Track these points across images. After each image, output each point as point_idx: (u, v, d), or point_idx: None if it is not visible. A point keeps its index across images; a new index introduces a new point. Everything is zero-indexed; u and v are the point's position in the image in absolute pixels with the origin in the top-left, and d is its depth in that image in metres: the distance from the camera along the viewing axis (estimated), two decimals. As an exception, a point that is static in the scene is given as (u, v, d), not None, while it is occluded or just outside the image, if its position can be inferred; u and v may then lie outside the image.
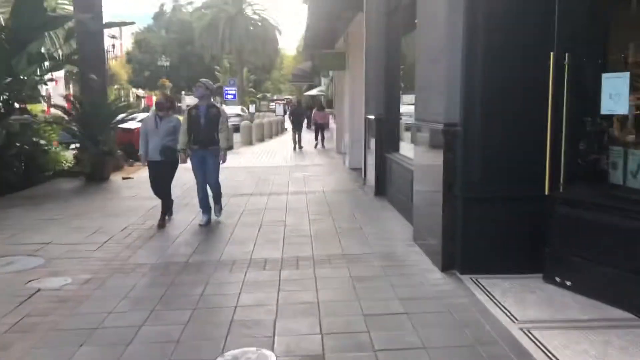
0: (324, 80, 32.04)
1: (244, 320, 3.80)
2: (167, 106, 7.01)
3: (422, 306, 4.02)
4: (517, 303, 4.02)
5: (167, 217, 7.07)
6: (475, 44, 4.43)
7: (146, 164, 7.06)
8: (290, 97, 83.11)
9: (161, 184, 7.03)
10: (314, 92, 33.97)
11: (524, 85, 4.42)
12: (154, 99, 76.81)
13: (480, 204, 4.58)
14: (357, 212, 7.50)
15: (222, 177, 11.64)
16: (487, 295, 4.19)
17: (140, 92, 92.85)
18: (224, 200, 8.45)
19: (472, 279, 4.54)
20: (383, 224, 6.74)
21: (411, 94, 7.05)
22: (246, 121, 21.67)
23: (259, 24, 54.11)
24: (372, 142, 8.93)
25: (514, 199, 4.53)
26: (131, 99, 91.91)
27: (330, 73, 25.44)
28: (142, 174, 12.00)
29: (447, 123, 4.63)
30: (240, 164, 13.88)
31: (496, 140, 4.52)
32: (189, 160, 6.89)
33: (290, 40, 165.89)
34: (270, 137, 24.75)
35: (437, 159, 4.80)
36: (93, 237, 6.34)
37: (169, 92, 79.28)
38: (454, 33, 4.53)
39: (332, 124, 26.08)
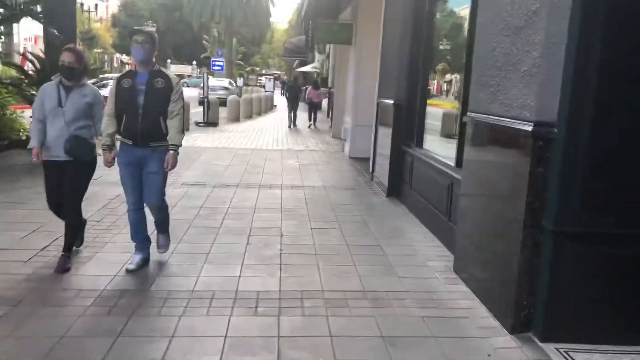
0: (318, 57, 30.28)
1: None
2: (77, 70, 4.17)
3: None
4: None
5: (73, 251, 4.34)
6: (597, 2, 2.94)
7: (41, 162, 4.23)
8: (278, 72, 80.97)
9: (67, 197, 4.23)
10: (306, 68, 32.20)
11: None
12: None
13: (581, 242, 3.13)
14: (369, 219, 6.02)
15: (204, 160, 10.14)
16: (596, 389, 2.77)
17: (125, 58, 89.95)
18: (203, 192, 6.93)
19: (559, 351, 3.12)
20: (406, 241, 5.27)
21: (447, 77, 5.57)
22: (234, 95, 19.96)
23: (252, -7, 51.63)
24: (386, 132, 7.43)
25: (632, 239, 3.09)
26: (115, 65, 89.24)
27: (328, 49, 23.74)
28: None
29: (538, 122, 3.15)
30: (225, 143, 12.27)
31: (614, 151, 3.05)
32: (116, 163, 4.23)
33: (283, 13, 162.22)
34: (259, 114, 23.07)
35: (515, 172, 3.33)
36: (30, 238, 4.78)
37: (154, 60, 76.82)
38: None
39: (324, 104, 24.57)
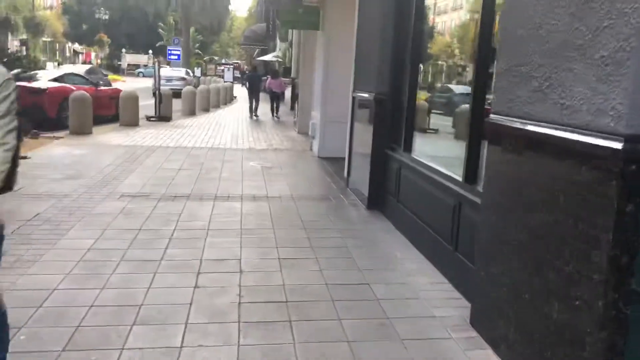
0: (280, 45, 28.94)
1: None
2: None
3: None
4: None
5: None
6: None
7: None
8: (239, 61, 78.84)
9: None
10: (268, 57, 30.80)
11: None
12: (93, 55, 70.71)
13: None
14: (350, 242, 4.88)
15: (152, 163, 8.90)
16: None
17: (77, 46, 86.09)
18: (145, 206, 5.63)
19: None
20: (399, 275, 4.16)
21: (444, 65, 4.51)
22: (189, 87, 18.48)
23: (210, -22, 49.59)
24: (364, 131, 6.31)
25: None
26: (67, 54, 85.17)
27: (291, 36, 22.45)
28: (49, 151, 8.91)
29: (632, 136, 2.06)
30: (178, 142, 10.92)
31: None
32: None
33: (242, 0, 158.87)
34: (218, 106, 21.64)
35: (588, 209, 2.24)
36: None
37: (107, 49, 73.53)
38: None
39: (287, 94, 23.30)
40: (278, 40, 29.41)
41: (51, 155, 8.60)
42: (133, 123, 13.46)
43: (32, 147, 9.38)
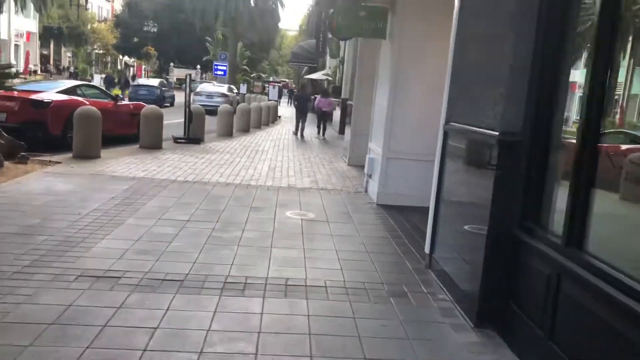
0: (329, 62, 26.80)
1: None
2: None
3: None
4: None
5: None
6: None
7: None
8: (286, 79, 77.54)
9: None
10: (316, 75, 28.70)
11: None
12: (144, 68, 70.69)
13: None
14: None
15: (152, 209, 6.93)
16: None
17: (129, 59, 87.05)
18: (104, 306, 3.04)
19: None
20: None
21: None
22: (226, 105, 16.41)
23: (259, -8, 48.26)
24: (470, 187, 3.84)
25: None
26: (119, 67, 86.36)
27: (342, 52, 20.21)
28: (26, 184, 6.79)
29: None
30: (200, 174, 8.68)
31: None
32: None
33: (293, 19, 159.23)
34: (259, 126, 19.54)
35: None
36: None
37: (154, 62, 73.54)
38: None
39: (335, 116, 21.12)
40: (328, 57, 27.31)
41: (22, 191, 6.48)
42: (155, 145, 11.39)
43: (12, 175, 7.33)
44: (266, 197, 7.34)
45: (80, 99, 10.83)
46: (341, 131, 18.64)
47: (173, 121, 15.96)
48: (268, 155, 11.93)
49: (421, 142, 7.13)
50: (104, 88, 27.10)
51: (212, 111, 18.66)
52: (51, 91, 10.70)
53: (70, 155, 9.35)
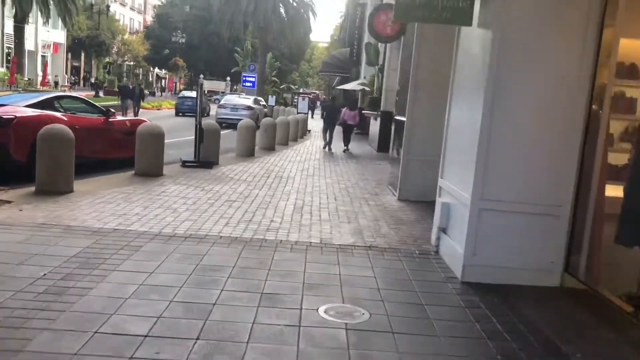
0: (364, 71, 24.22)
1: None
2: None
3: None
4: None
5: None
6: None
7: None
8: (317, 91, 75.26)
9: None
10: (350, 85, 26.16)
11: None
12: (176, 80, 69.93)
13: None
14: None
15: (92, 309, 2.75)
16: None
17: (161, 72, 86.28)
18: None
19: None
20: None
21: None
22: (248, 120, 13.94)
23: (290, 1, 46.11)
24: None
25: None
26: (150, 79, 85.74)
27: (383, 57, 17.64)
28: None
29: None
30: (199, 219, 6.15)
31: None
32: None
33: (324, 30, 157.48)
34: (286, 143, 17.07)
35: None
36: None
37: (183, 74, 72.19)
38: None
39: (372, 128, 18.73)
40: (363, 66, 24.76)
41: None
42: (153, 172, 9.00)
43: None
44: (288, 268, 4.76)
45: (57, 114, 8.51)
46: (381, 149, 16.03)
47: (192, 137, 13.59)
48: (294, 184, 9.38)
49: (537, 183, 4.51)
50: (119, 100, 25.63)
51: (237, 125, 16.41)
52: (20, 104, 8.39)
53: (33, 188, 7.02)
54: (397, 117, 9.59)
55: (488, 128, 4.56)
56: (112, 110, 10.06)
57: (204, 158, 10.73)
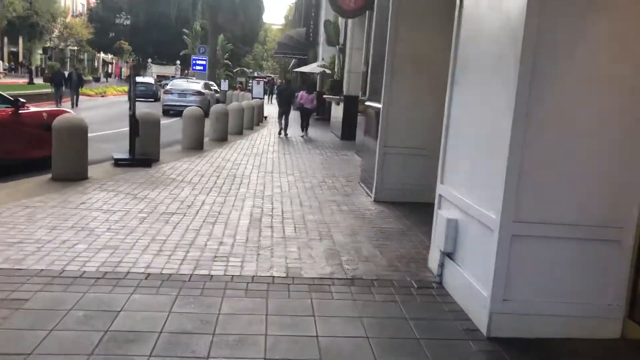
0: (322, 52, 22.67)
1: None
2: None
3: None
4: None
5: None
6: None
7: None
8: (272, 75, 72.95)
9: None
10: (308, 68, 24.54)
11: None
12: (122, 65, 66.66)
13: None
14: None
15: None
16: None
17: (108, 56, 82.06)
18: None
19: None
20: None
21: None
22: (195, 108, 12.20)
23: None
24: None
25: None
26: (96, 64, 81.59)
27: (343, 36, 16.20)
28: None
29: None
30: (119, 248, 4.54)
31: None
32: None
33: (277, 10, 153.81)
34: (240, 132, 15.44)
35: None
36: None
37: (129, 58, 68.76)
38: None
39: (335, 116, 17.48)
40: (321, 47, 23.19)
41: None
42: (75, 175, 7.34)
43: None
44: (242, 329, 3.28)
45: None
46: (345, 136, 14.65)
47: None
48: (250, 185, 7.86)
49: (593, 199, 3.18)
50: (51, 88, 23.24)
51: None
52: None
53: None
54: (369, 104, 8.16)
55: (523, 123, 3.18)
56: (22, 100, 8.23)
57: (141, 154, 9.05)
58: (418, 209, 6.52)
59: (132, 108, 8.98)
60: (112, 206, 6.07)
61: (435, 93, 6.88)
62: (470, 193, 3.83)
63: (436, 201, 4.51)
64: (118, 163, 8.79)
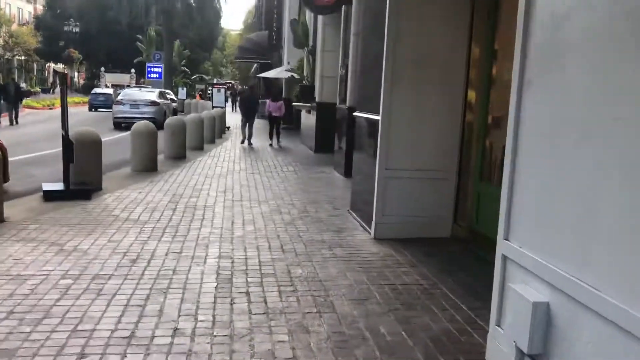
0: (287, 57, 21.10)
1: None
2: None
3: None
4: None
5: None
6: None
7: None
8: (232, 81, 70.80)
9: None
10: (273, 73, 22.89)
11: None
12: (72, 75, 63.22)
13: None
14: None
15: None
16: None
17: (59, 66, 78.46)
18: None
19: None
20: None
21: None
22: (145, 122, 10.33)
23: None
24: None
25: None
26: (45, 75, 77.80)
27: (313, 37, 14.72)
28: None
29: None
30: (21, 344, 2.94)
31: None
32: None
33: (235, 16, 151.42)
34: (200, 147, 13.70)
35: None
36: None
37: (77, 65, 65.61)
38: None
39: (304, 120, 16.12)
40: (286, 50, 21.62)
41: None
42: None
43: None
44: None
45: None
46: (319, 149, 13.13)
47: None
48: (215, 222, 6.23)
49: None
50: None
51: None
52: None
53: None
54: (360, 114, 6.65)
55: None
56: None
57: (78, 184, 7.31)
58: (434, 250, 5.06)
59: (64, 126, 7.24)
60: (24, 268, 4.38)
61: (447, 100, 5.49)
62: (581, 265, 2.35)
63: (499, 268, 3.02)
64: (49, 197, 7.02)
